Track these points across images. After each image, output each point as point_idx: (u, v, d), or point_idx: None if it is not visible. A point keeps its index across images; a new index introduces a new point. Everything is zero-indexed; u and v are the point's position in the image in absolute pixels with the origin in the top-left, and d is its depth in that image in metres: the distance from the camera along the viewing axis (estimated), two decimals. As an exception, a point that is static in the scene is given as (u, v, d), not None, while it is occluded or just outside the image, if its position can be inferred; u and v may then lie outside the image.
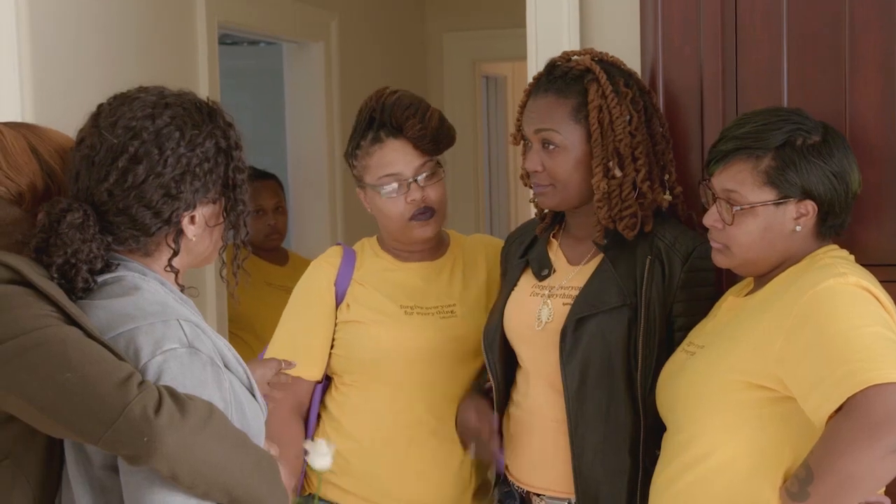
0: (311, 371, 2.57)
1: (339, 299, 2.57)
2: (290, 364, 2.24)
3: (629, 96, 2.27)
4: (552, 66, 2.32)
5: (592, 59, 2.30)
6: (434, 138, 2.52)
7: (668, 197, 2.32)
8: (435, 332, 2.51)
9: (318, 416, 2.59)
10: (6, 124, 1.88)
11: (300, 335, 2.59)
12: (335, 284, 2.57)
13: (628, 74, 2.32)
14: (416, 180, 2.49)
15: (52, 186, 1.83)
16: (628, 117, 2.26)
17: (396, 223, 2.53)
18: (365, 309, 2.54)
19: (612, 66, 2.31)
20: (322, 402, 2.60)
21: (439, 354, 2.50)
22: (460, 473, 2.55)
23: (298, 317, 2.61)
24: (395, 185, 2.49)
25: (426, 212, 2.51)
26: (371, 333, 2.52)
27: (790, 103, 2.31)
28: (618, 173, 2.26)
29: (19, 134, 1.85)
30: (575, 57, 2.33)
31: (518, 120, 2.37)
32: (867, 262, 2.16)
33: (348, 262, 2.60)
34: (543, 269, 2.37)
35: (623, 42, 2.58)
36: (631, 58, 2.49)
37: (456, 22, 5.35)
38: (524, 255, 2.43)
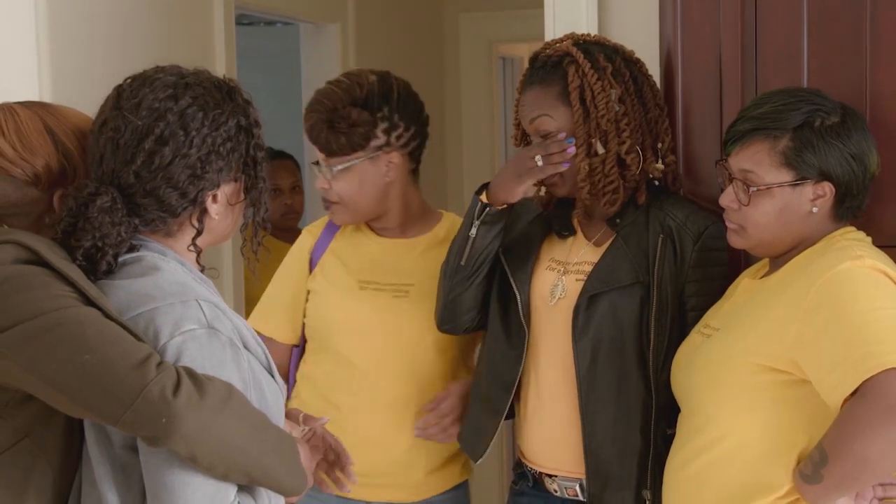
0: (282, 333, 2.66)
1: (311, 267, 2.65)
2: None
3: (609, 70, 2.26)
4: (534, 59, 2.34)
5: (572, 43, 2.30)
6: (313, 139, 2.57)
7: (660, 166, 2.31)
8: (383, 310, 2.54)
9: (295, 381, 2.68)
10: (22, 104, 1.87)
11: (276, 298, 2.70)
12: (311, 252, 2.65)
13: (612, 49, 2.32)
14: (321, 171, 2.58)
15: (68, 167, 1.83)
16: (612, 91, 2.25)
17: None
18: (325, 280, 2.62)
19: (592, 45, 2.31)
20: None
21: (387, 331, 2.53)
22: (415, 444, 2.57)
23: (277, 281, 2.72)
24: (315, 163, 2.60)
25: (325, 202, 2.59)
26: (323, 304, 2.60)
27: (810, 82, 2.30)
28: (600, 150, 2.26)
29: (34, 114, 1.84)
30: (554, 45, 2.34)
31: (516, 119, 2.37)
32: (887, 243, 2.15)
33: (329, 231, 2.68)
34: (564, 231, 2.37)
35: (641, 21, 2.58)
36: (649, 37, 2.49)
37: (472, 2, 5.33)
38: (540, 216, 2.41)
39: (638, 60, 2.34)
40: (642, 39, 2.40)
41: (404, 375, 2.57)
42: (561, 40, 2.34)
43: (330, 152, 2.55)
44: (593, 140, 2.25)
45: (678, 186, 2.35)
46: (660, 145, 2.32)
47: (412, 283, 2.58)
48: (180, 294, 1.73)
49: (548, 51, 2.32)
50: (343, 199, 2.57)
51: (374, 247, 2.63)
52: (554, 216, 2.40)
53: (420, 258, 2.61)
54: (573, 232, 2.37)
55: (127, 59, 1.97)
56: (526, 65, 2.44)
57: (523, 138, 2.38)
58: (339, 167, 2.54)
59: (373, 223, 2.64)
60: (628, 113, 2.27)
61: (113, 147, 1.77)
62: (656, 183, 2.33)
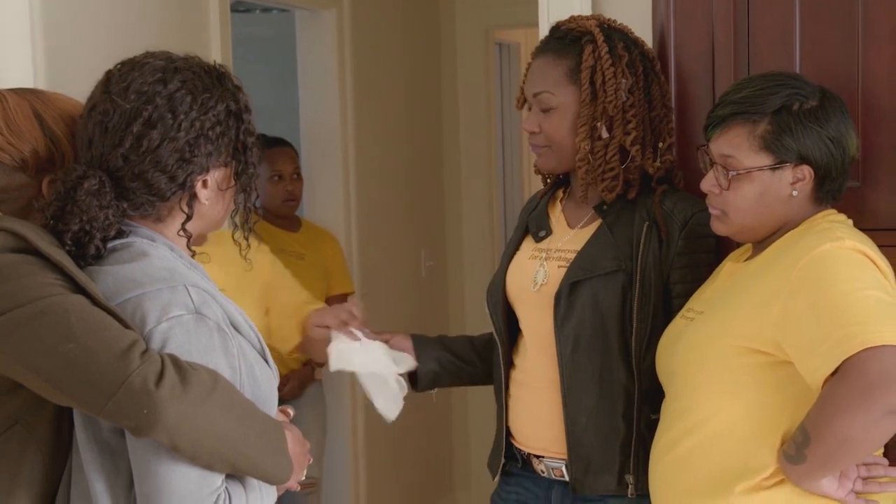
0: None
1: None
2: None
3: (625, 59, 2.27)
4: (555, 29, 2.34)
5: (596, 24, 2.31)
6: None
7: (656, 164, 2.31)
8: None
9: None
10: (13, 90, 1.88)
11: None
12: None
13: (632, 41, 2.32)
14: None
15: (56, 153, 1.83)
16: (623, 80, 2.26)
17: None
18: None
19: (614, 31, 2.31)
20: None
21: None
22: None
23: None
24: None
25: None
26: None
27: (802, 67, 2.30)
28: (604, 134, 2.27)
29: (24, 100, 1.84)
30: (578, 20, 2.34)
31: (523, 82, 2.38)
32: (877, 226, 2.15)
33: None
34: (541, 231, 2.39)
35: (634, 7, 2.58)
36: (642, 23, 2.48)
37: (469, -12, 5.33)
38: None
39: (654, 58, 2.35)
40: (635, 23, 2.39)
41: None
42: (587, 18, 2.35)
43: None
44: (598, 123, 2.26)
45: (677, 183, 2.35)
46: (660, 144, 2.32)
47: (223, 287, 2.54)
48: (168, 279, 1.73)
49: (571, 24, 2.33)
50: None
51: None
52: (531, 220, 2.43)
53: (214, 262, 2.46)
54: (549, 232, 2.39)
55: (122, 46, 1.97)
56: (522, 50, 2.45)
57: (524, 103, 2.38)
58: None
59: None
60: (635, 105, 2.27)
61: (101, 130, 1.77)
62: (652, 183, 2.32)
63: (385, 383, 2.38)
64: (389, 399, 2.38)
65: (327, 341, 2.41)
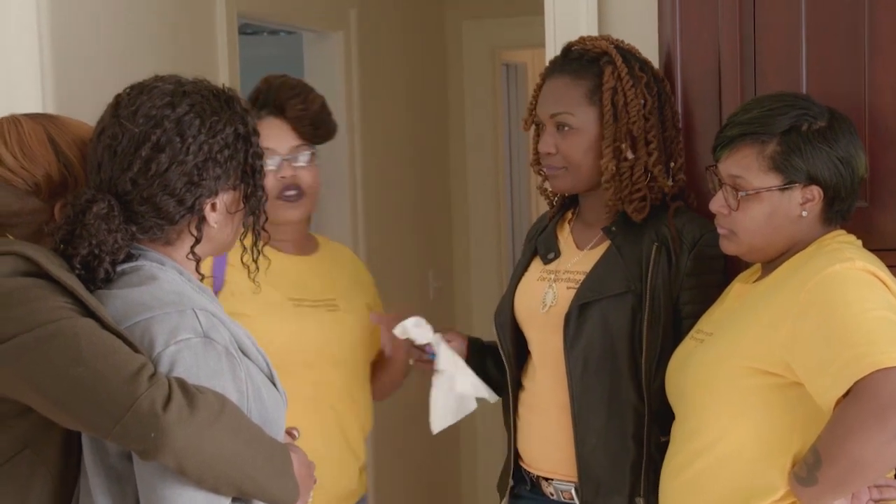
0: None
1: (216, 287, 2.46)
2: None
3: (644, 80, 2.28)
4: (568, 49, 2.34)
5: (611, 45, 2.31)
6: (314, 122, 2.54)
7: (669, 183, 2.31)
8: (324, 324, 2.50)
9: None
10: (28, 115, 1.89)
11: None
12: (212, 270, 2.45)
13: (643, 61, 2.34)
14: (287, 159, 2.51)
15: (69, 177, 1.83)
16: (643, 101, 2.27)
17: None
18: (250, 299, 2.43)
19: (628, 53, 2.33)
20: None
21: (328, 346, 2.51)
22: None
23: None
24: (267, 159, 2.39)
25: (295, 190, 2.52)
26: (261, 328, 2.23)
27: (809, 87, 2.30)
28: (630, 155, 2.27)
29: (38, 124, 1.85)
30: (591, 41, 2.34)
31: (532, 104, 2.38)
32: (885, 246, 2.15)
33: None
34: (549, 253, 2.40)
35: (641, 27, 2.58)
36: (649, 42, 2.49)
37: (475, 9, 5.33)
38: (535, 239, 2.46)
39: (664, 79, 2.36)
40: (641, 46, 2.40)
41: (345, 385, 2.57)
42: (599, 39, 2.35)
43: None
44: (623, 145, 2.27)
45: (690, 203, 2.36)
46: (672, 164, 2.33)
47: (334, 297, 2.56)
48: (176, 303, 1.73)
49: (585, 45, 2.33)
50: (310, 196, 2.53)
51: (281, 263, 2.48)
52: (539, 242, 2.43)
53: (328, 274, 2.58)
54: (558, 254, 2.39)
55: (130, 69, 1.98)
56: (529, 71, 2.45)
57: (534, 124, 2.38)
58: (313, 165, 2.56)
59: (279, 235, 2.44)
60: (654, 126, 2.28)
61: (110, 154, 1.78)
62: (667, 200, 2.32)
63: (461, 403, 2.43)
64: (450, 412, 2.44)
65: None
